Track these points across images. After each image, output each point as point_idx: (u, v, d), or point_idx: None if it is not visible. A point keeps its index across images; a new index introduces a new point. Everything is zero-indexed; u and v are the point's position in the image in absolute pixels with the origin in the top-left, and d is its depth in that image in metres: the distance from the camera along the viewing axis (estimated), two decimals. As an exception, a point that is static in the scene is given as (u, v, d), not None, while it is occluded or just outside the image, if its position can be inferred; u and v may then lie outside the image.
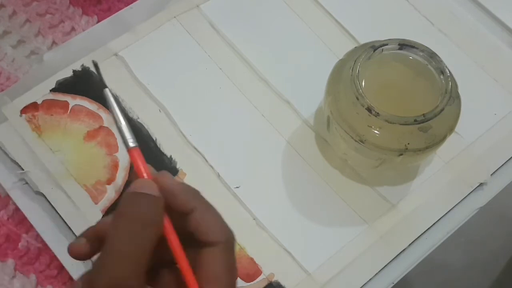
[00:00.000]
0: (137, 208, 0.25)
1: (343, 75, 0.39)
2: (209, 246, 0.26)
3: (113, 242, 0.25)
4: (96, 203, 0.41)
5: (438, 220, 0.42)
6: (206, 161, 0.43)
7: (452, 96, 0.37)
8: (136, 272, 0.24)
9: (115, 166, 0.42)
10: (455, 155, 0.44)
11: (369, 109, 0.37)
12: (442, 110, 0.37)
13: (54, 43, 0.49)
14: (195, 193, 0.28)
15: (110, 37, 0.47)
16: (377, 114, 0.36)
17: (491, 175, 0.44)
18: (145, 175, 0.27)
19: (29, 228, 0.42)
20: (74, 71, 0.45)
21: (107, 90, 0.28)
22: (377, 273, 0.40)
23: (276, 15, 0.49)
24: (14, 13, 0.49)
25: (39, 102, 0.44)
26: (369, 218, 0.42)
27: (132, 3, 0.49)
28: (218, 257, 0.26)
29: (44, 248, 0.41)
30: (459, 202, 0.43)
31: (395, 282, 0.40)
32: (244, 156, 0.44)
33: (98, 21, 0.49)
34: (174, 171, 0.42)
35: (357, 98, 0.37)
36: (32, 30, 0.49)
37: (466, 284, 0.48)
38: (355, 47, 0.42)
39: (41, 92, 0.45)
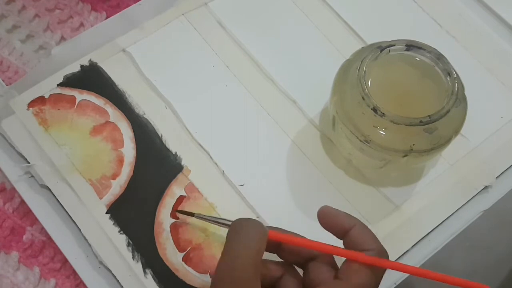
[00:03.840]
0: (249, 222, 0.33)
1: (350, 75, 0.39)
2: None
3: (236, 243, 0.32)
4: (100, 198, 0.41)
5: (442, 222, 0.42)
6: (211, 158, 0.43)
7: (458, 98, 0.37)
8: (254, 266, 0.31)
9: (120, 161, 0.43)
10: (460, 157, 0.44)
11: (374, 110, 0.37)
12: (448, 111, 0.37)
13: (62, 38, 0.49)
14: (353, 217, 0.35)
15: (118, 33, 0.47)
16: (382, 115, 0.36)
17: (496, 178, 0.44)
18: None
19: (34, 221, 0.42)
20: (81, 66, 0.46)
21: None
22: (379, 274, 0.40)
23: (284, 14, 0.49)
24: (24, 8, 0.50)
25: (46, 96, 0.44)
26: (373, 219, 0.42)
27: (140, -1, 0.49)
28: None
29: (48, 241, 0.41)
30: (463, 205, 0.43)
31: (397, 283, 0.40)
32: (249, 154, 0.44)
33: (107, 17, 0.49)
34: (179, 167, 0.43)
35: (363, 98, 0.37)
36: (41, 25, 0.49)
37: None
38: (362, 47, 0.42)
39: (48, 86, 0.45)
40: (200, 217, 0.39)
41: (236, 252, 0.32)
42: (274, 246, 0.35)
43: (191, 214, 0.40)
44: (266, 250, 0.35)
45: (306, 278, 0.34)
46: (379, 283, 0.33)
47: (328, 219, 0.35)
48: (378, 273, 0.33)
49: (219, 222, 0.37)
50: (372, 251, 0.33)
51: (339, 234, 0.34)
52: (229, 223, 0.36)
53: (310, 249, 0.35)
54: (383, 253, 0.33)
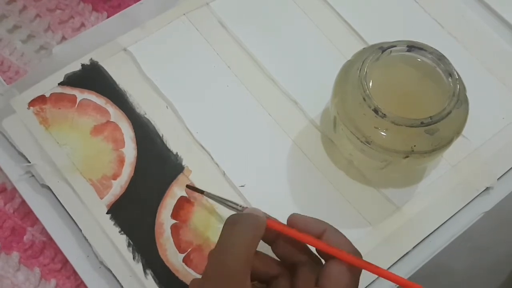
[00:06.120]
0: (245, 217, 0.34)
1: (351, 75, 0.39)
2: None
3: (229, 235, 0.33)
4: (101, 198, 0.41)
5: (443, 223, 0.42)
6: (212, 159, 0.43)
7: (459, 99, 0.37)
8: (244, 260, 0.32)
9: (121, 161, 0.43)
10: (461, 158, 0.44)
11: (375, 110, 0.37)
12: (449, 113, 0.37)
13: (63, 38, 0.49)
14: (322, 221, 0.35)
15: (119, 32, 0.47)
16: (383, 116, 0.36)
17: (498, 179, 0.44)
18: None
19: (35, 221, 0.42)
20: (82, 65, 0.46)
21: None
22: (380, 275, 0.40)
23: (285, 15, 0.49)
24: (25, 8, 0.50)
25: (47, 95, 0.44)
26: (374, 220, 0.42)
27: (142, -1, 0.49)
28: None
29: (49, 241, 0.41)
30: (464, 206, 0.43)
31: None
32: (249, 155, 0.44)
33: (108, 18, 0.49)
34: (179, 168, 0.43)
35: (364, 99, 0.37)
36: (42, 25, 0.49)
37: (470, 289, 0.48)
38: (364, 48, 0.42)
39: (49, 85, 0.45)
40: (210, 195, 0.39)
41: (228, 244, 0.32)
42: (271, 237, 0.35)
43: (201, 192, 0.40)
44: (263, 241, 0.35)
45: (294, 283, 0.34)
46: (357, 285, 0.34)
47: (298, 227, 0.34)
48: (356, 274, 0.33)
49: (228, 205, 0.37)
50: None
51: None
52: (238, 206, 0.37)
53: (300, 253, 0.35)
54: (358, 254, 0.34)
